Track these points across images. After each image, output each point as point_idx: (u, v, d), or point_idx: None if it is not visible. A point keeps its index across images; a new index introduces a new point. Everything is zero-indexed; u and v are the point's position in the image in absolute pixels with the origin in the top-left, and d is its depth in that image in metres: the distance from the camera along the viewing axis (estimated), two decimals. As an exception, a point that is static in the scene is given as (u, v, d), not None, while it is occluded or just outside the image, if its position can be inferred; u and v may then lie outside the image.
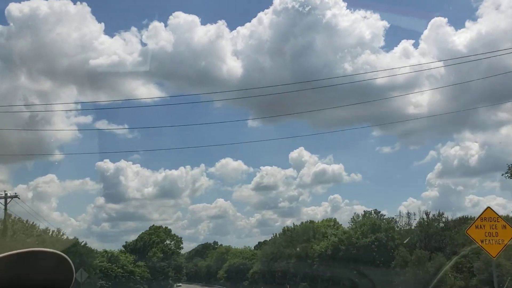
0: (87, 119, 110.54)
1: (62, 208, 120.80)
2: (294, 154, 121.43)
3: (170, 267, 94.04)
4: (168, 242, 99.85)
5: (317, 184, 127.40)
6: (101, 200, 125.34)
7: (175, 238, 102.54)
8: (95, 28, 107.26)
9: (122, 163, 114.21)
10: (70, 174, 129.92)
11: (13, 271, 0.83)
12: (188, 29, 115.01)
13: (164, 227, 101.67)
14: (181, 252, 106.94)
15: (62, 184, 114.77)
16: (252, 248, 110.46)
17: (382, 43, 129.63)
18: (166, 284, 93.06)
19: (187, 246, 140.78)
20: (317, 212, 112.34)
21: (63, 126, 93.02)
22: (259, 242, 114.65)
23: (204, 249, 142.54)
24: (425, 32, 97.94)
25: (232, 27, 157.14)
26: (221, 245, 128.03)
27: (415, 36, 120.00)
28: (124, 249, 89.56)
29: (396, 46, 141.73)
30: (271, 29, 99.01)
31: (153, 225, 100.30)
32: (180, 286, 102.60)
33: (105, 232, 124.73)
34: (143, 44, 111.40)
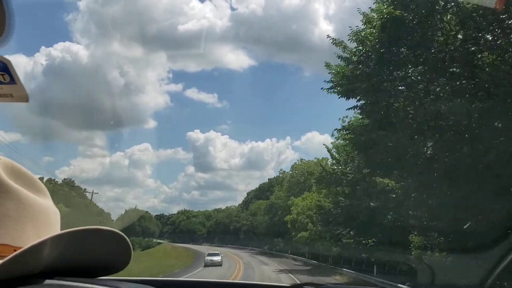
0: (177, 87, 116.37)
1: (156, 175, 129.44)
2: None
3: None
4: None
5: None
6: (191, 169, 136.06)
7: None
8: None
9: (212, 134, 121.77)
10: (163, 143, 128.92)
11: (69, 250, 0.81)
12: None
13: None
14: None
15: (156, 152, 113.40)
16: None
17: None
18: None
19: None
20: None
21: (155, 95, 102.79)
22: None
23: (270, 187, 73.53)
24: None
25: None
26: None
27: None
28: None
29: None
30: (366, -7, 35.40)
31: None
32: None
33: (195, 200, 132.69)
34: (233, 9, 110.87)
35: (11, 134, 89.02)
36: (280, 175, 54.89)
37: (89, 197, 64.26)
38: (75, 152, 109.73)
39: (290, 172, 51.91)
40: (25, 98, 0.92)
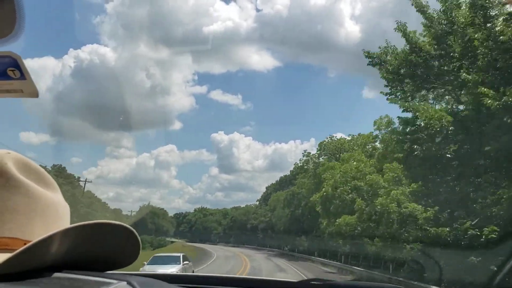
0: (202, 89, 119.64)
1: (181, 176, 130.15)
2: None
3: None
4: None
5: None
6: (215, 170, 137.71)
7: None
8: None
9: (235, 135, 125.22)
10: (188, 144, 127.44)
11: (78, 244, 0.82)
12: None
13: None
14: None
15: (181, 154, 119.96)
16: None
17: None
18: None
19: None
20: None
21: (181, 96, 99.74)
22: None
23: (292, 179, 63.33)
24: None
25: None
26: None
27: None
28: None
29: None
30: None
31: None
32: None
33: (218, 201, 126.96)
34: (258, 10, 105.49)
35: (40, 135, 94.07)
36: (305, 157, 44.12)
37: (89, 188, 57.56)
38: (102, 152, 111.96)
39: (317, 152, 41.22)
40: (35, 94, 0.91)
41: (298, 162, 44.31)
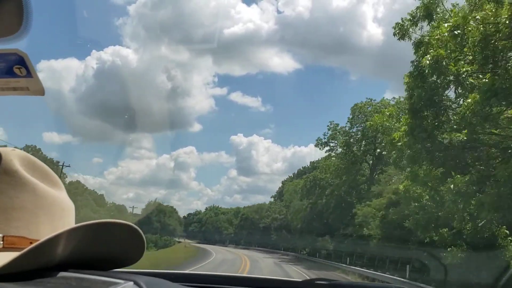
0: (222, 91, 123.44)
1: (200, 178, 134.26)
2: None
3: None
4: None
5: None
6: (234, 173, 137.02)
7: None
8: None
9: (255, 138, 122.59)
10: (207, 146, 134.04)
11: (84, 243, 0.82)
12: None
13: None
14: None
15: (200, 155, 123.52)
16: None
17: None
18: None
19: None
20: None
21: (201, 98, 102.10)
22: None
23: (313, 171, 52.66)
24: None
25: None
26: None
27: None
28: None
29: None
30: (416, -7, 24.29)
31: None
32: None
33: (237, 204, 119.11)
34: (279, 12, 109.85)
35: (62, 136, 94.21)
36: (330, 132, 33.12)
37: (70, 176, 49.29)
38: (123, 153, 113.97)
39: (349, 120, 30.33)
40: (41, 92, 0.89)
41: (322, 137, 33.57)
